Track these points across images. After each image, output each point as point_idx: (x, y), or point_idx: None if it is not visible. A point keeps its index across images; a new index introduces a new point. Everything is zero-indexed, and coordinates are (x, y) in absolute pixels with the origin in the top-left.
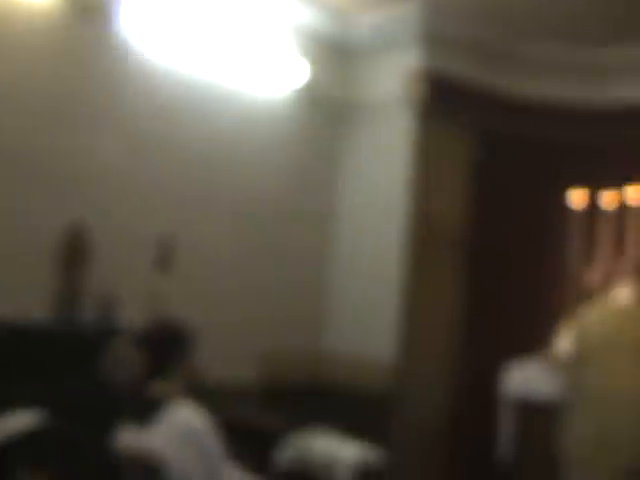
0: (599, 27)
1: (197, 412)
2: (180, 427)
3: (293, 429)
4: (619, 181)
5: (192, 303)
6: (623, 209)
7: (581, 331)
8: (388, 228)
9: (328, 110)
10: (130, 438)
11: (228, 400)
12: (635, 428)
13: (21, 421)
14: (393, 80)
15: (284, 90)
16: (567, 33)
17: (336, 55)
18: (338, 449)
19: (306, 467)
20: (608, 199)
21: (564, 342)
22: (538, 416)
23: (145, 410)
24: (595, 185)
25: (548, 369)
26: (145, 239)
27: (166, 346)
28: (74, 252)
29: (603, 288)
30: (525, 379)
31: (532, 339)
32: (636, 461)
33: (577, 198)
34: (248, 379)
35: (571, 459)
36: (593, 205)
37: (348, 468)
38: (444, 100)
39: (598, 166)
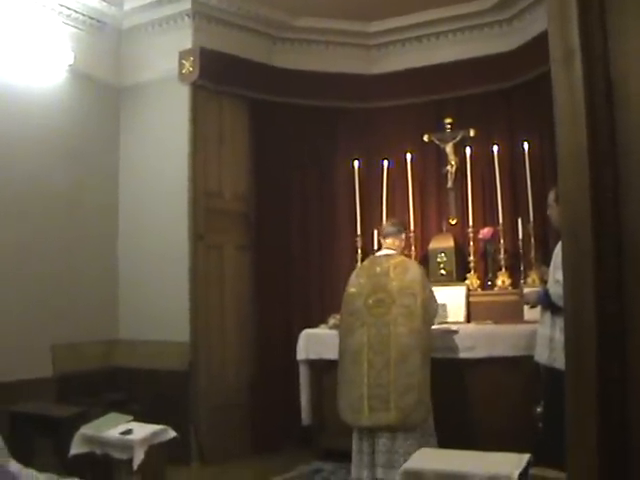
0: (367, 5)
1: None
2: None
3: (88, 415)
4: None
5: None
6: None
7: (345, 295)
8: (172, 208)
9: (104, 94)
10: None
11: (23, 393)
12: None
13: None
14: (168, 58)
15: (56, 78)
16: (339, 10)
17: (109, 37)
18: (134, 430)
19: (102, 450)
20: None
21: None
22: (329, 374)
23: None
24: (368, 153)
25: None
26: None
27: None
28: None
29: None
30: (316, 343)
31: (321, 305)
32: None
33: (356, 165)
34: (43, 371)
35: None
36: (370, 172)
37: (141, 445)
38: (218, 75)
39: (371, 134)
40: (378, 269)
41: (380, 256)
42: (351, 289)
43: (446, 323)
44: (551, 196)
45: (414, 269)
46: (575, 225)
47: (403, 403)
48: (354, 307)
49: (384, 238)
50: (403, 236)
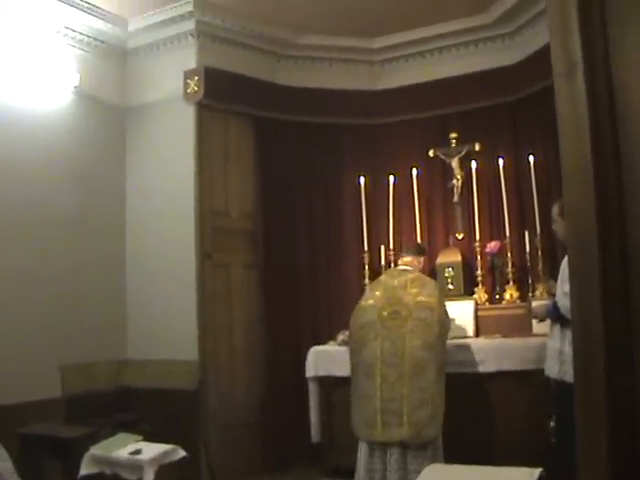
0: (370, 22)
1: None
2: None
3: (98, 435)
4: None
5: None
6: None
7: (356, 309)
8: (179, 227)
9: (110, 114)
10: None
11: (32, 414)
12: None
13: None
14: (173, 78)
15: (61, 99)
16: (342, 28)
17: (114, 58)
18: (143, 450)
19: (112, 470)
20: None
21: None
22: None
23: None
24: (374, 169)
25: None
26: None
27: None
28: None
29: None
30: (325, 360)
31: (330, 321)
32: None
33: (362, 181)
34: (52, 392)
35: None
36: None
37: (151, 465)
38: (223, 94)
39: (376, 150)
40: (395, 282)
41: (397, 270)
42: (364, 302)
43: (456, 338)
44: (555, 210)
45: (431, 284)
46: (581, 237)
47: (416, 418)
48: (365, 320)
49: (404, 254)
50: (422, 259)
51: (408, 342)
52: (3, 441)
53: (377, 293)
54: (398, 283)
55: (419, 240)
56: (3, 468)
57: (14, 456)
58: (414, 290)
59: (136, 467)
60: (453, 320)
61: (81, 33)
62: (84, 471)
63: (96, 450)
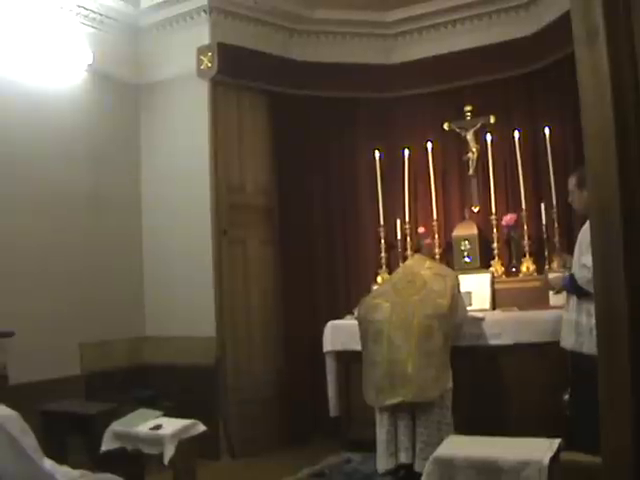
0: None
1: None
2: None
3: (118, 411)
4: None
5: (6, 300)
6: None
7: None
8: (195, 203)
9: (124, 92)
10: None
11: (53, 392)
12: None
13: None
14: (186, 55)
15: (75, 78)
16: (355, 1)
17: (127, 35)
18: (163, 425)
19: (133, 445)
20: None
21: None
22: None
23: None
24: (389, 142)
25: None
26: None
27: None
28: None
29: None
30: (342, 334)
31: (347, 295)
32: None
33: (377, 155)
34: (72, 369)
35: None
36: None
37: (171, 440)
38: (236, 69)
39: (391, 124)
40: (413, 262)
41: (417, 255)
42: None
43: (472, 311)
44: (572, 181)
45: (447, 269)
46: (604, 205)
47: (420, 378)
48: (379, 291)
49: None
50: None
51: (419, 309)
52: (25, 418)
53: (399, 271)
54: (415, 262)
55: (434, 215)
56: (28, 445)
57: (37, 433)
58: (432, 268)
59: (157, 442)
60: (469, 293)
61: (94, 11)
62: (106, 447)
63: (117, 426)
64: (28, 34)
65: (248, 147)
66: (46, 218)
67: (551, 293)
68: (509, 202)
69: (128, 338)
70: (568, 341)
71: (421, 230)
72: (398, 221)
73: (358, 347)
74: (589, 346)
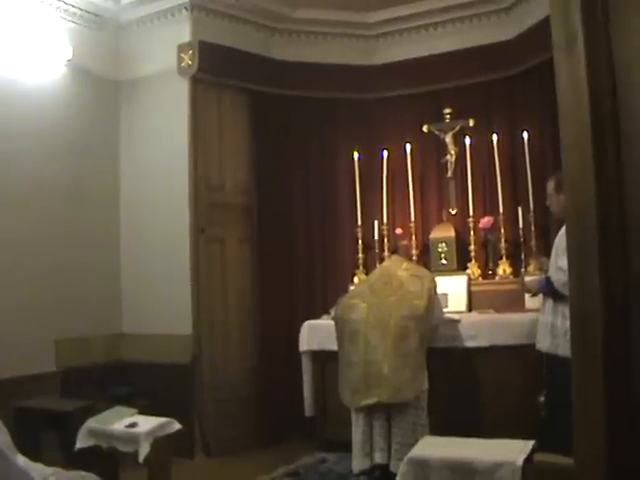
0: None
1: None
2: None
3: (93, 409)
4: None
5: None
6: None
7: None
8: (174, 201)
9: (103, 88)
10: None
11: (28, 388)
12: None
13: None
14: (167, 52)
15: (54, 73)
16: (337, 2)
17: (107, 32)
18: (139, 423)
19: (108, 443)
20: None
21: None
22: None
23: None
24: (368, 143)
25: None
26: None
27: None
28: None
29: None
30: (318, 334)
31: (324, 296)
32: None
33: (356, 155)
34: (47, 366)
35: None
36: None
37: (147, 438)
38: (217, 68)
39: (371, 125)
40: (390, 263)
41: (394, 257)
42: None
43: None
44: (550, 185)
45: (424, 270)
46: (580, 209)
47: (395, 379)
48: (356, 292)
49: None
50: None
51: (395, 310)
52: None
53: (373, 275)
54: (392, 263)
55: (412, 217)
56: (1, 441)
57: (11, 429)
58: (409, 269)
59: (132, 440)
60: (446, 295)
61: (74, 6)
62: (80, 444)
63: (92, 423)
64: (7, 28)
65: (228, 145)
66: (24, 212)
67: (527, 296)
68: (487, 205)
69: (105, 335)
70: (543, 343)
71: (399, 231)
72: (376, 222)
73: (334, 347)
74: (564, 349)
